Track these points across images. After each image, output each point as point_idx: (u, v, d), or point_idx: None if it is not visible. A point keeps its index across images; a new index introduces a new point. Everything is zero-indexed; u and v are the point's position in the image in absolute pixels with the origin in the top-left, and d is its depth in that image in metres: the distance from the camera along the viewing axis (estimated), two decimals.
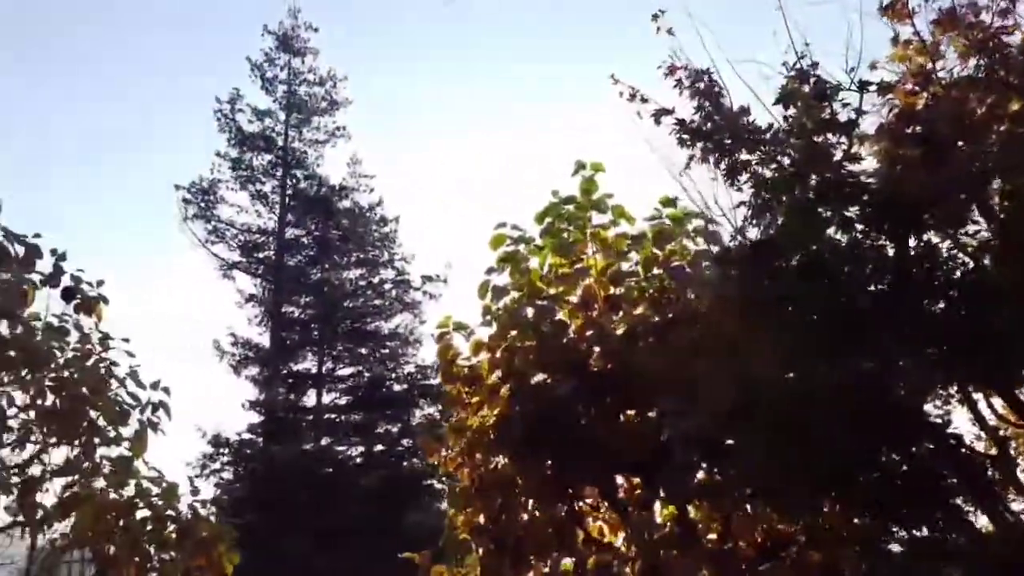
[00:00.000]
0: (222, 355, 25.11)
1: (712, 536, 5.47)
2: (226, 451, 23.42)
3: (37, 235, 5.64)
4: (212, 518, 6.20)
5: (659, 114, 4.63)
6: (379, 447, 23.27)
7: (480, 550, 5.98)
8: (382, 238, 26.77)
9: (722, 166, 4.44)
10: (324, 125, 28.36)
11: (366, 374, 24.92)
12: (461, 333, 6.83)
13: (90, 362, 5.79)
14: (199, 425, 23.06)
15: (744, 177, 4.41)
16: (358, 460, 23.58)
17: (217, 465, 23.22)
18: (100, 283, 5.87)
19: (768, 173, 4.35)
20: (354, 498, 19.55)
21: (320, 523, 17.80)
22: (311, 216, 27.06)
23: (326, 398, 25.21)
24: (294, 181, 27.77)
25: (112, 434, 5.16)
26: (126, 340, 6.09)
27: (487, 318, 6.49)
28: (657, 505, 6.10)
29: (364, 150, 28.54)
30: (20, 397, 5.28)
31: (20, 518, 4.70)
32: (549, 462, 5.74)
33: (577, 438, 5.59)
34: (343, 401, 25.07)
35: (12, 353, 5.31)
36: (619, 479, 6.27)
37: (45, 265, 5.60)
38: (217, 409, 35.36)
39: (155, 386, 5.57)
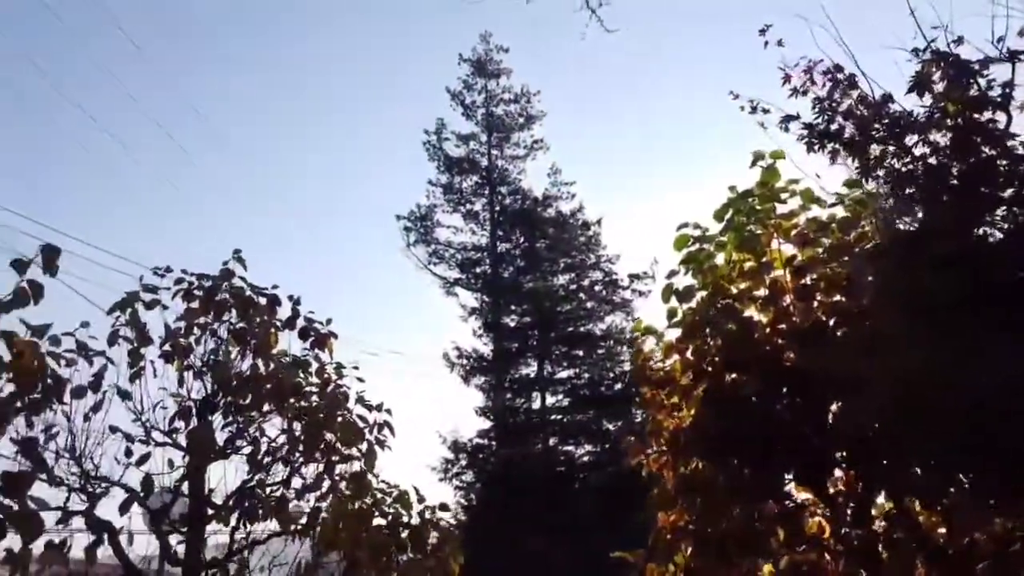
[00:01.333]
0: (452, 366, 26.95)
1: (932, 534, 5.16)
2: (464, 455, 25.13)
3: (275, 286, 6.67)
4: (442, 521, 6.84)
5: (786, 120, 4.51)
6: (604, 445, 23.76)
7: (687, 550, 6.08)
8: (586, 242, 27.35)
9: (857, 161, 4.23)
10: (523, 140, 29.56)
11: (584, 375, 25.55)
12: (652, 336, 6.97)
13: (328, 389, 6.69)
14: (440, 431, 24.99)
15: (883, 171, 4.17)
16: (585, 459, 24.23)
17: (457, 469, 25.02)
18: (328, 321, 6.80)
19: (910, 163, 4.07)
20: (583, 496, 20.21)
21: (552, 521, 18.62)
22: (518, 229, 28.25)
23: (549, 400, 26.18)
24: (500, 197, 29.15)
25: (347, 452, 5.97)
26: (356, 367, 6.98)
27: (673, 321, 6.58)
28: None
29: (564, 155, 29.42)
30: (276, 424, 6.27)
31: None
32: (746, 461, 5.72)
33: (776, 436, 5.52)
34: (565, 403, 25.88)
35: (268, 387, 6.30)
36: (834, 474, 6.09)
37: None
38: (455, 416, 37.93)
39: (379, 408, 6.35)
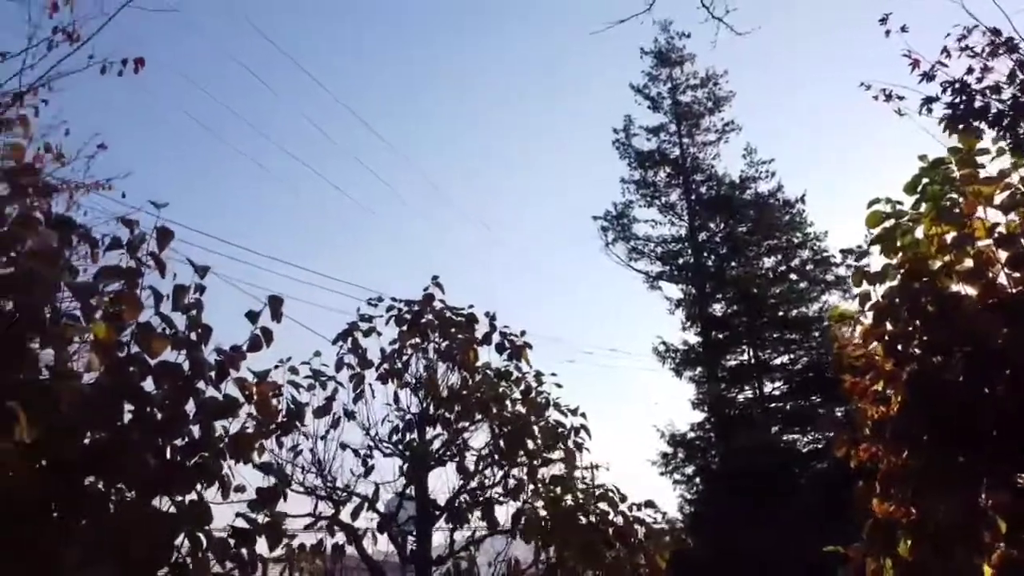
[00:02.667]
0: (663, 359, 26.83)
1: None
2: (681, 449, 24.92)
3: (471, 306, 7.25)
4: (649, 519, 7.02)
5: (927, 102, 4.19)
6: (829, 433, 22.48)
7: (906, 543, 5.79)
8: (790, 221, 26.05)
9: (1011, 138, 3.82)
10: (713, 125, 28.81)
11: (802, 360, 24.36)
12: (848, 322, 6.69)
13: (529, 396, 7.15)
14: (656, 425, 25.00)
15: None
16: (808, 447, 23.11)
17: (676, 462, 24.86)
18: (523, 333, 7.28)
19: None
20: (808, 486, 19.33)
21: (775, 512, 18.00)
22: (717, 215, 27.58)
23: (767, 388, 25.25)
24: (695, 186, 28.61)
25: (548, 456, 6.37)
26: (554, 375, 7.39)
27: (869, 304, 6.29)
28: None
29: (758, 135, 28.31)
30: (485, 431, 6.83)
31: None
32: (958, 449, 5.34)
33: (988, 420, 5.12)
34: (782, 390, 24.84)
35: (473, 399, 6.87)
36: None
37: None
38: (672, 410, 37.61)
39: (574, 412, 6.69)
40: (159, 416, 3.50)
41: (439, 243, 44.10)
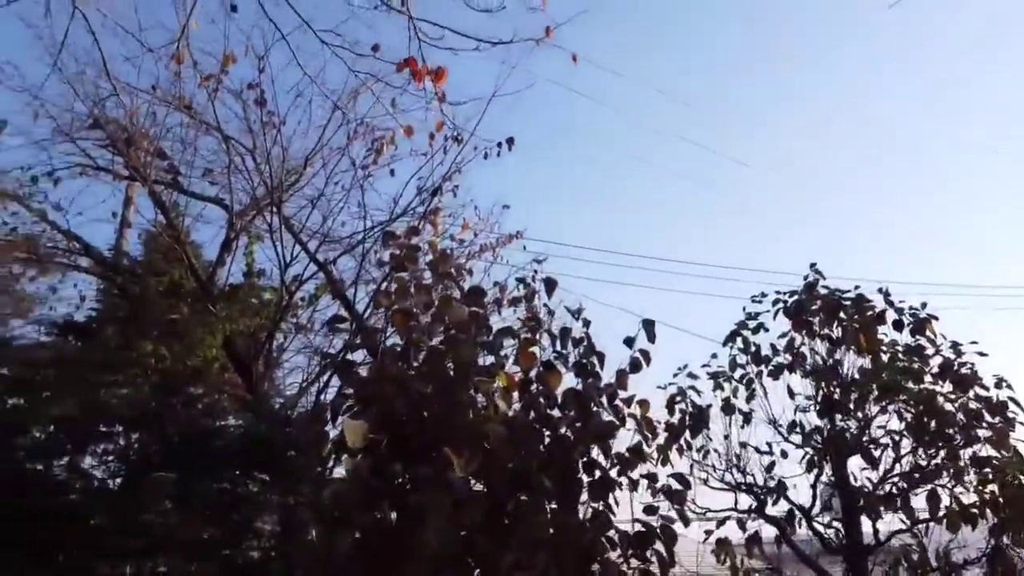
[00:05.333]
0: None
1: None
2: None
3: (857, 287, 6.96)
4: None
5: None
6: None
7: None
8: None
9: None
10: None
11: None
12: None
13: (952, 370, 6.56)
14: None
15: None
16: None
17: None
18: (924, 305, 6.70)
19: None
20: None
21: None
22: None
23: None
24: None
25: (975, 435, 5.75)
26: (974, 343, 6.65)
27: None
28: None
29: None
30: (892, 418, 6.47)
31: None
32: None
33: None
34: None
35: (879, 382, 6.58)
36: None
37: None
38: None
39: (999, 384, 5.94)
40: (570, 436, 4.26)
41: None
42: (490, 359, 4.36)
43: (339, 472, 3.98)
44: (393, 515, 3.48)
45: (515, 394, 4.12)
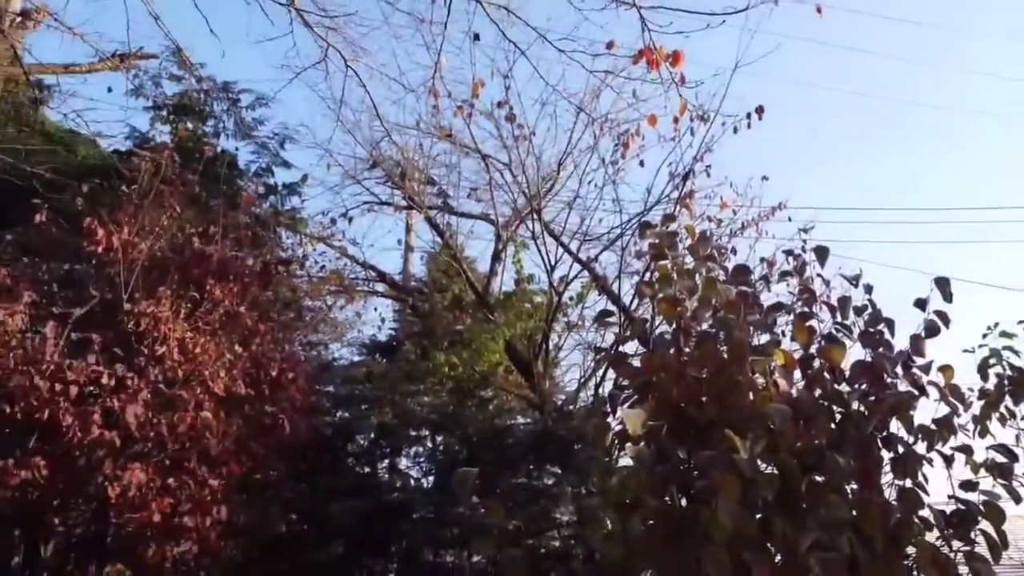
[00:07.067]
0: None
1: None
2: None
3: None
4: None
5: None
6: None
7: None
8: None
9: None
10: None
11: None
12: None
13: None
14: None
15: None
16: None
17: None
18: None
19: None
20: None
21: None
22: None
23: None
24: None
25: None
26: None
27: None
28: None
29: None
30: None
31: None
32: None
33: None
34: None
35: None
36: None
37: None
38: None
39: None
40: (863, 411, 3.99)
41: None
42: (765, 337, 4.23)
43: (624, 461, 4.10)
44: (683, 500, 3.51)
45: (796, 372, 3.95)
